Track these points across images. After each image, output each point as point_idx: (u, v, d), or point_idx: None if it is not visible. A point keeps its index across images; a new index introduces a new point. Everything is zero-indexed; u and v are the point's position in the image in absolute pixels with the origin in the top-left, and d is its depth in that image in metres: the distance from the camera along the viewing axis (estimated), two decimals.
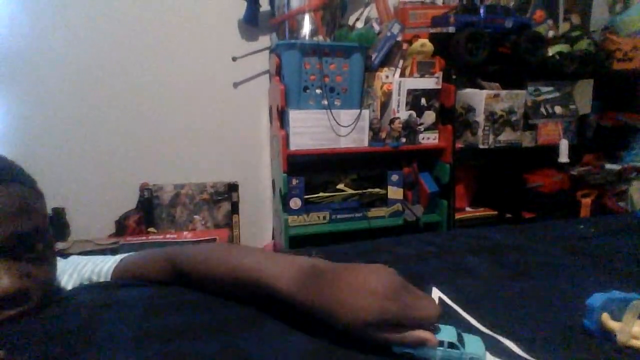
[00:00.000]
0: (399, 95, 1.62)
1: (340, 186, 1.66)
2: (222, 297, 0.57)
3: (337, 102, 1.57)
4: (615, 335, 0.52)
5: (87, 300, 0.56)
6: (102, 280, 0.65)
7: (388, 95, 1.63)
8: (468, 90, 1.69)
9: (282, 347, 0.48)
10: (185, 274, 0.60)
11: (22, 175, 0.56)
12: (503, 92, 1.65)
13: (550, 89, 1.81)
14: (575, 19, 1.92)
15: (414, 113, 1.63)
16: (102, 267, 0.66)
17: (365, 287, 0.44)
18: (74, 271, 0.67)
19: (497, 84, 1.73)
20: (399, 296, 0.44)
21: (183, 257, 0.61)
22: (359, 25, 1.71)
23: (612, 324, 0.52)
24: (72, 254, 0.72)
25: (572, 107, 1.84)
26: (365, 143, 1.60)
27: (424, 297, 0.47)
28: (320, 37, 1.57)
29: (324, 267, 0.50)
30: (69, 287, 0.65)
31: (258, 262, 0.53)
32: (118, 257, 0.68)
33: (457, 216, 1.72)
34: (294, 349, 0.48)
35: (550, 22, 1.84)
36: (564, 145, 1.77)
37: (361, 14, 1.78)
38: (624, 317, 0.52)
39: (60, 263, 0.65)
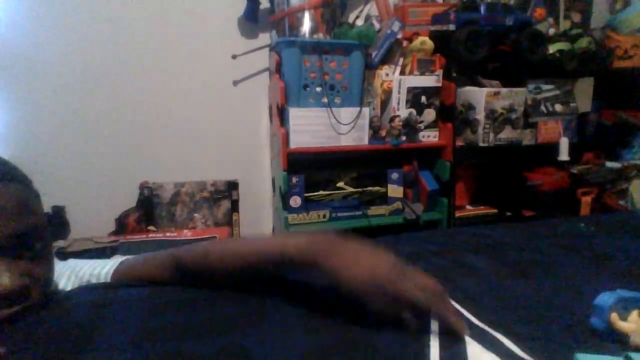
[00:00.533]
0: (399, 93, 1.61)
1: (340, 184, 1.66)
2: (228, 286, 0.58)
3: (337, 100, 1.57)
4: (627, 336, 0.51)
5: (87, 300, 0.56)
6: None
7: (388, 93, 1.63)
8: (468, 88, 1.69)
9: (282, 346, 0.48)
10: (189, 268, 0.60)
11: (19, 175, 0.56)
12: (503, 90, 1.64)
13: (551, 87, 1.81)
14: (576, 17, 1.91)
15: (414, 111, 1.63)
16: (101, 270, 0.66)
17: (370, 258, 0.51)
18: (71, 273, 0.66)
19: (498, 82, 1.72)
20: (399, 272, 0.51)
21: (185, 253, 0.61)
22: (359, 22, 1.71)
23: (624, 325, 0.51)
24: (71, 254, 0.72)
25: (572, 105, 1.83)
26: (366, 141, 1.60)
27: (420, 281, 0.52)
28: (320, 35, 1.57)
29: (332, 237, 0.54)
30: (68, 289, 0.64)
31: (264, 239, 0.59)
32: (117, 260, 0.68)
33: (457, 214, 1.72)
34: (295, 348, 0.48)
35: (550, 20, 1.84)
36: (564, 143, 1.77)
37: (361, 11, 1.78)
38: (630, 317, 0.52)
39: (58, 266, 0.65)
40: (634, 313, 0.52)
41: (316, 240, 0.53)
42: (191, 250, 0.61)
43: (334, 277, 0.51)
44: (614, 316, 0.52)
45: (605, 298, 0.54)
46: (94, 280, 0.65)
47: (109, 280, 0.64)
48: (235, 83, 1.80)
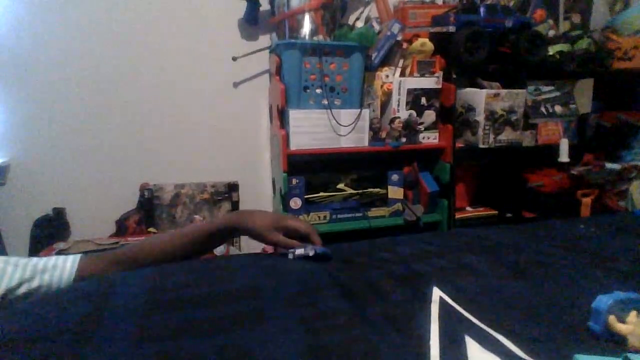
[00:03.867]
0: (399, 94, 1.62)
1: (341, 186, 1.66)
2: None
3: (337, 102, 1.57)
4: (625, 338, 0.51)
5: (84, 296, 0.56)
6: (64, 275, 0.66)
7: (388, 94, 1.63)
8: (468, 89, 1.69)
9: (282, 345, 0.48)
10: (129, 256, 0.73)
11: None
12: (503, 92, 1.65)
13: (551, 88, 1.81)
14: (576, 19, 1.91)
15: (414, 112, 1.63)
16: (63, 262, 0.67)
17: (266, 215, 0.78)
18: (15, 264, 0.63)
19: (497, 84, 1.73)
20: (280, 217, 0.79)
21: (126, 248, 0.75)
22: (359, 24, 1.71)
23: (622, 328, 0.51)
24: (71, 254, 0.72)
25: (572, 106, 1.83)
26: (366, 143, 1.60)
27: (297, 219, 0.81)
28: (320, 37, 1.57)
29: (242, 211, 0.87)
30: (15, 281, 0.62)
31: (193, 225, 0.85)
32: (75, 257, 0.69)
33: (458, 216, 1.72)
34: (294, 347, 0.48)
35: (550, 21, 1.84)
36: (564, 144, 1.77)
37: (361, 13, 1.78)
38: (628, 318, 0.52)
39: None
40: (632, 314, 0.52)
41: (233, 213, 0.81)
42: (131, 245, 0.76)
43: (249, 231, 0.76)
44: (611, 319, 0.52)
45: (602, 301, 0.54)
46: (57, 272, 0.65)
47: (74, 269, 0.67)
48: (236, 85, 1.80)
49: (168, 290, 0.58)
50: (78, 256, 0.69)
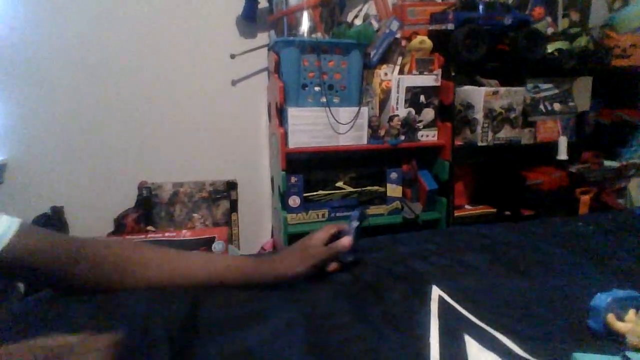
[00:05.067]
0: (397, 92, 1.61)
1: (339, 184, 1.66)
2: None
3: (336, 100, 1.57)
4: (623, 336, 0.51)
5: (86, 299, 0.56)
6: None
7: (387, 92, 1.63)
8: (467, 87, 1.69)
9: (282, 344, 0.48)
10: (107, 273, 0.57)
11: None
12: (502, 89, 1.65)
13: (549, 86, 1.81)
14: (574, 16, 1.91)
15: (413, 110, 1.63)
16: None
17: (291, 257, 0.70)
18: None
19: (496, 81, 1.73)
20: (309, 256, 0.70)
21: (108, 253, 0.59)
22: (358, 22, 1.71)
23: (620, 326, 0.51)
24: None
25: (571, 104, 1.83)
26: (364, 141, 1.60)
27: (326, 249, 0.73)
28: (319, 34, 1.57)
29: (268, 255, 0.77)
30: None
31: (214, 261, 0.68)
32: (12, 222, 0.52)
33: (456, 214, 1.72)
34: (294, 345, 0.48)
35: (549, 19, 1.84)
36: (562, 142, 1.77)
37: (360, 10, 1.77)
38: (627, 316, 0.52)
39: None
40: (631, 312, 0.52)
41: (270, 271, 0.68)
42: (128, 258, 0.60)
43: (274, 278, 0.66)
44: (610, 317, 0.52)
45: (601, 299, 0.54)
46: None
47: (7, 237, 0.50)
48: (234, 83, 1.79)
49: (169, 290, 0.58)
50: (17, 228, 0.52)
